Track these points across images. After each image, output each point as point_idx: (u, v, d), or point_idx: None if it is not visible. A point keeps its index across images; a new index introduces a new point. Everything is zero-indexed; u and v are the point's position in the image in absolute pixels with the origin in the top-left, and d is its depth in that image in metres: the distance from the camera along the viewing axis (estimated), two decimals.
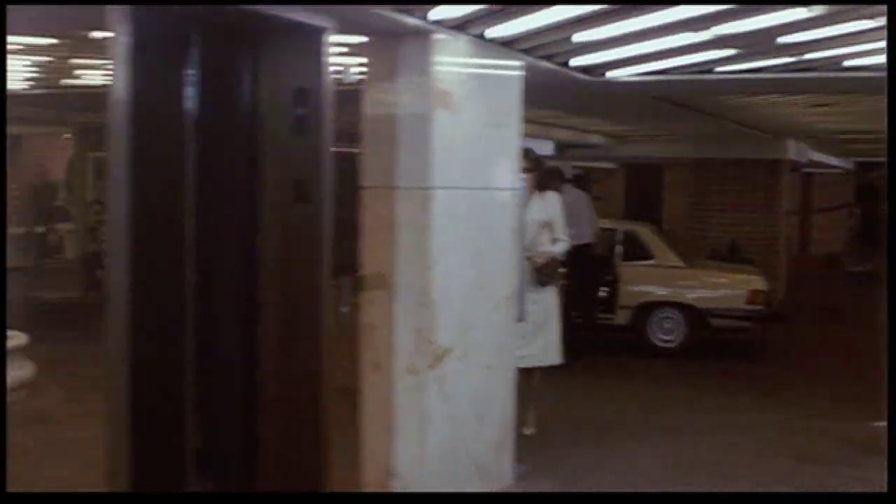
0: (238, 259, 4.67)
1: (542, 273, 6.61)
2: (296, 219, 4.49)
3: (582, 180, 11.12)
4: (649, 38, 5.31)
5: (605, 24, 4.94)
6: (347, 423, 5.00)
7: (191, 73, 4.61)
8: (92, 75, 8.01)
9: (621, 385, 9.44)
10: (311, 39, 4.43)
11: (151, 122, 3.81)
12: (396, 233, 4.94)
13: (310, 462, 4.51)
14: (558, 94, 6.88)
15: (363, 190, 5.01)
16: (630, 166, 20.06)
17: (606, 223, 11.04)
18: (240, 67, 4.61)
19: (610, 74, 6.70)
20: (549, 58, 5.98)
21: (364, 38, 5.06)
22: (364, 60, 5.21)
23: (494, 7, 4.67)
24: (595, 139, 13.88)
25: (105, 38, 6.32)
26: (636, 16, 4.76)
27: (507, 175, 5.61)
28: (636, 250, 10.97)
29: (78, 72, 7.96)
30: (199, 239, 4.65)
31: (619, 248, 10.92)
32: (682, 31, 5.10)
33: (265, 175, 4.58)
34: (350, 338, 5.16)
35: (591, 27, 5.05)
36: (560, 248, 6.79)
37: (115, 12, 3.41)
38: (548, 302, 6.76)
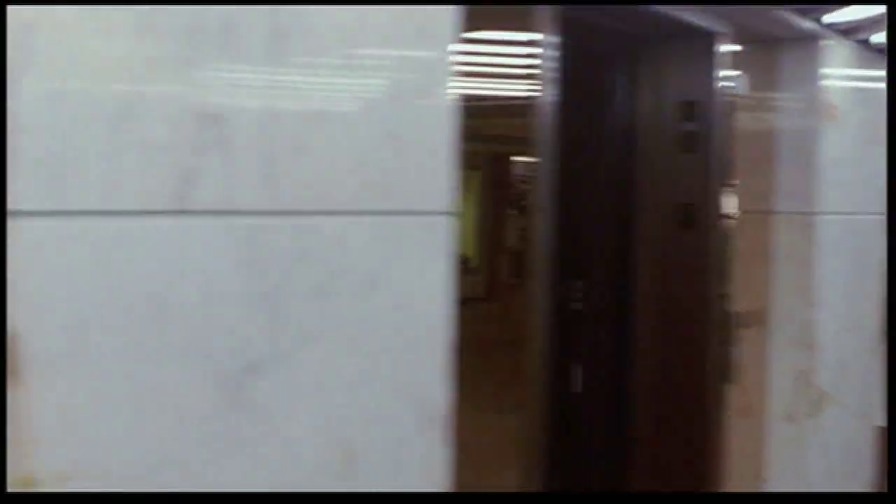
0: (609, 292, 4.24)
1: None
2: (680, 247, 4.02)
3: None
4: None
5: None
6: None
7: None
8: None
9: None
10: (702, 45, 3.97)
11: None
12: (774, 264, 4.39)
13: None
14: None
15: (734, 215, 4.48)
16: None
17: None
18: (615, 75, 4.19)
19: None
20: None
21: (737, 46, 4.54)
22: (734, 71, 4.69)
23: None
24: None
25: None
26: None
27: (878, 198, 4.99)
28: None
29: None
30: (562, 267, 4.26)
31: None
32: None
33: (643, 197, 4.12)
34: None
35: None
36: None
37: (546, 12, 3.02)
38: None
